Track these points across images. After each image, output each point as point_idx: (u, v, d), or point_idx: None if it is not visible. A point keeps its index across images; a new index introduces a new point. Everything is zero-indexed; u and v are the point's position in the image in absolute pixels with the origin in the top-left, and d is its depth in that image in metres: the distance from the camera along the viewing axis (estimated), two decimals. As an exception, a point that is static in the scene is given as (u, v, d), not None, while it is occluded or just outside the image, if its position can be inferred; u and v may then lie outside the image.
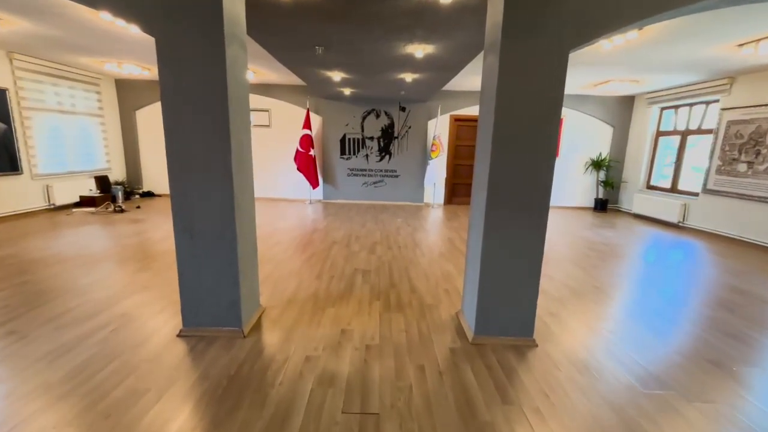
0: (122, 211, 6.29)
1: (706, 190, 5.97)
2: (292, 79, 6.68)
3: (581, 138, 7.92)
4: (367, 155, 8.08)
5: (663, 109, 7.14)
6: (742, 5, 1.80)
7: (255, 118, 7.80)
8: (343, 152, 8.05)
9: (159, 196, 7.99)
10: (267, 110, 7.78)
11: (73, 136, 6.60)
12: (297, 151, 7.45)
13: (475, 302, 2.40)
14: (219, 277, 2.34)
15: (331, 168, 8.12)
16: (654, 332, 2.65)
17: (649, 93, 7.19)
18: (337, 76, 5.48)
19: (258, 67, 5.98)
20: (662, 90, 6.82)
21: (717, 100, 5.88)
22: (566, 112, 7.65)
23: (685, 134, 6.63)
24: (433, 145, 7.52)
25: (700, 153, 6.38)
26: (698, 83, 6.06)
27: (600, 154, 7.94)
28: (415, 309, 2.91)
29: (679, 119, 6.82)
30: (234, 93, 2.19)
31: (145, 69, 6.35)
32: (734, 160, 5.54)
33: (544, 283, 3.48)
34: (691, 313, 3.01)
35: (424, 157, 8.00)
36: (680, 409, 1.86)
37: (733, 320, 2.89)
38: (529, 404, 1.87)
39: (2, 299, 2.84)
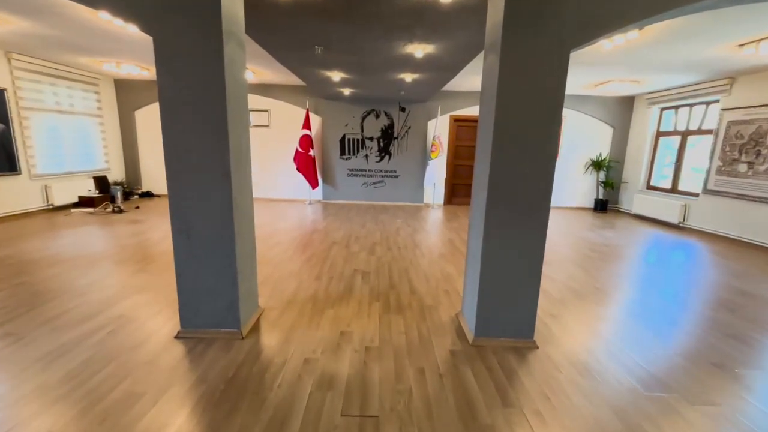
0: (121, 211, 6.27)
1: (706, 191, 5.96)
2: (292, 79, 6.66)
3: (581, 138, 7.90)
4: (366, 155, 8.06)
5: (663, 109, 7.13)
6: (743, 5, 1.79)
7: (254, 118, 7.78)
8: (342, 152, 8.03)
9: (158, 196, 7.97)
10: (266, 110, 7.77)
11: (72, 136, 6.58)
12: (296, 151, 7.43)
13: (476, 303, 2.38)
14: (217, 278, 2.32)
15: (330, 168, 8.11)
16: (655, 333, 2.63)
17: (649, 93, 7.18)
18: (336, 76, 5.46)
19: (257, 67, 5.97)
20: (662, 90, 6.81)
21: (717, 101, 5.87)
22: (566, 113, 7.63)
23: (685, 135, 6.62)
24: (432, 145, 7.50)
25: (699, 153, 6.37)
26: (698, 83, 6.05)
27: (600, 154, 7.93)
28: (415, 310, 2.89)
29: (679, 120, 6.80)
30: (232, 92, 2.18)
31: (144, 69, 6.33)
32: (734, 160, 5.52)
33: (544, 284, 3.46)
34: (693, 314, 2.99)
35: (424, 157, 7.98)
36: (683, 411, 1.85)
37: (735, 321, 2.87)
38: (530, 407, 1.85)
39: (-1, 300, 2.82)
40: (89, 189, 6.69)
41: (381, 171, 8.13)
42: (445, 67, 4.79)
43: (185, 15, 2.01)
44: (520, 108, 2.14)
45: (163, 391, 1.87)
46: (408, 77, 5.40)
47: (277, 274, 3.56)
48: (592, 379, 2.08)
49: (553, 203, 7.87)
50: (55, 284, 3.16)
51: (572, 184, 8.10)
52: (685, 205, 6.28)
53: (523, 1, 2.04)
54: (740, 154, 5.45)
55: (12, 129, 5.50)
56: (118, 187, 6.77)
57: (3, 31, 4.37)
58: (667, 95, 6.72)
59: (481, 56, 4.42)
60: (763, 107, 5.16)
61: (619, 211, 8.04)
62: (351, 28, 3.39)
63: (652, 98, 7.13)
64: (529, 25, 2.06)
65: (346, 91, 6.86)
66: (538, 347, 2.40)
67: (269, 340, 2.39)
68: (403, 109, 7.84)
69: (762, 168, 5.17)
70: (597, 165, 7.88)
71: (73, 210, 6.26)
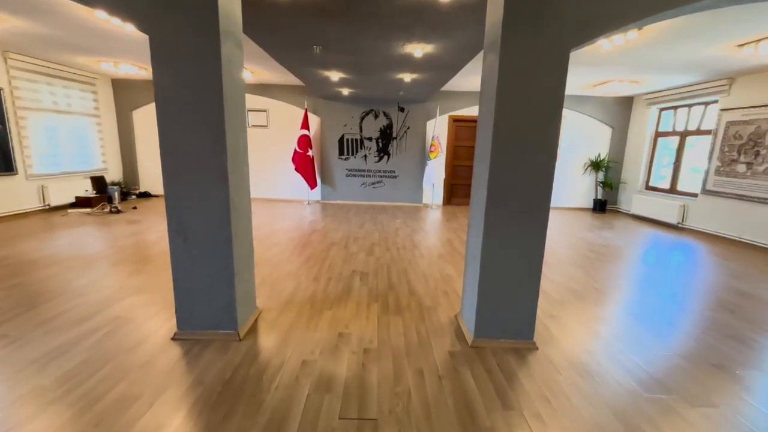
0: (118, 211, 6.24)
1: (705, 191, 5.96)
2: (290, 79, 6.64)
3: (580, 139, 7.90)
4: (365, 156, 8.04)
5: (662, 109, 7.13)
6: (742, 5, 1.78)
7: (253, 118, 7.76)
8: (341, 153, 8.01)
9: (156, 196, 7.94)
10: (265, 110, 7.74)
11: (69, 136, 6.55)
12: (295, 151, 7.40)
13: (475, 304, 2.37)
14: (214, 279, 2.30)
15: (329, 169, 8.09)
16: (655, 334, 2.62)
17: (648, 94, 7.19)
18: (335, 75, 5.44)
19: (255, 67, 5.94)
20: (661, 91, 6.81)
21: (716, 101, 5.88)
22: (565, 113, 7.63)
23: (684, 135, 6.62)
24: (431, 145, 7.49)
25: (698, 154, 6.37)
26: (697, 84, 6.05)
27: (599, 154, 7.93)
28: (414, 312, 2.87)
29: (677, 120, 6.81)
30: (229, 92, 2.16)
31: (141, 69, 6.30)
32: (733, 161, 5.53)
33: (543, 284, 3.45)
34: (692, 314, 2.99)
35: (423, 157, 7.97)
36: (683, 413, 1.83)
37: (735, 322, 2.86)
38: (530, 409, 1.83)
39: (-6, 302, 2.79)
40: (86, 189, 6.66)
41: (380, 171, 8.12)
42: (444, 67, 4.77)
43: (182, 13, 1.99)
44: (520, 107, 2.12)
45: (159, 393, 1.85)
46: (407, 77, 5.39)
47: (275, 275, 3.54)
48: (592, 381, 2.07)
49: (551, 204, 7.80)
50: (51, 285, 3.13)
51: (571, 184, 8.10)
52: (684, 206, 6.28)
53: (522, 0, 2.02)
54: (739, 154, 5.45)
55: (8, 129, 5.46)
56: (115, 187, 6.74)
57: (-1, 30, 4.35)
58: (666, 95, 6.72)
59: (480, 56, 4.41)
60: (761, 107, 5.17)
61: (617, 211, 8.04)
62: (350, 28, 3.37)
63: (650, 98, 7.13)
64: (529, 24, 2.04)
65: (345, 91, 6.84)
66: (537, 348, 2.38)
67: (267, 341, 2.37)
68: (402, 110, 7.83)
69: (761, 168, 5.17)
70: (596, 165, 7.88)
71: (69, 210, 6.23)
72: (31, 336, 2.33)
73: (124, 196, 7.36)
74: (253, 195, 7.88)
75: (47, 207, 6.10)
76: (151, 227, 5.25)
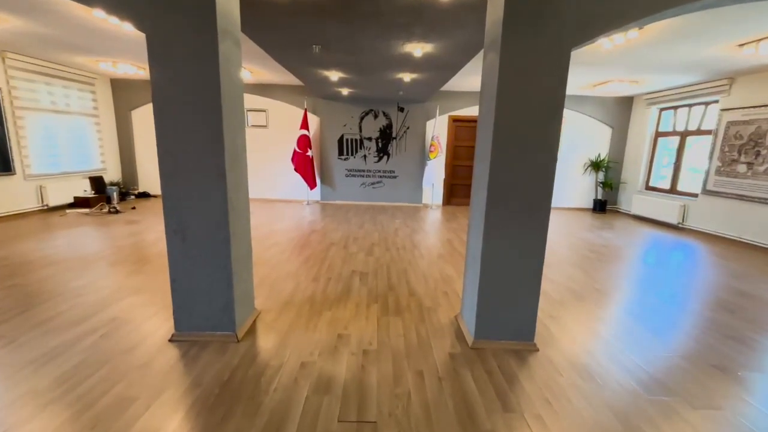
0: (117, 212, 6.21)
1: (705, 191, 5.95)
2: (290, 78, 6.62)
3: (580, 139, 7.89)
4: (365, 156, 8.02)
5: (662, 110, 7.12)
6: (743, 4, 1.77)
7: (252, 118, 7.74)
8: (341, 153, 8.00)
9: (155, 196, 7.92)
10: (264, 110, 7.72)
11: (68, 136, 6.52)
12: (294, 151, 7.39)
13: (475, 305, 2.35)
14: (212, 280, 2.28)
15: (328, 169, 8.07)
16: (656, 335, 2.60)
17: (648, 94, 7.17)
18: (334, 75, 5.43)
19: (254, 67, 5.93)
20: (661, 91, 6.80)
21: (716, 101, 5.87)
22: (565, 113, 7.60)
23: (684, 135, 6.61)
24: (431, 145, 7.48)
25: (697, 154, 6.37)
26: (697, 84, 6.04)
27: (599, 155, 7.92)
28: (414, 312, 2.85)
29: (678, 120, 6.80)
30: (227, 91, 2.14)
31: (140, 69, 6.28)
32: (734, 161, 5.51)
33: (544, 285, 3.43)
34: (694, 315, 2.97)
35: (423, 157, 7.96)
36: (686, 415, 1.82)
37: (736, 323, 2.85)
38: (531, 411, 1.81)
39: (-10, 303, 2.77)
40: (85, 189, 6.64)
41: (379, 171, 8.10)
42: (443, 67, 4.76)
43: (179, 12, 1.97)
44: (520, 107, 2.11)
45: (156, 395, 1.83)
46: (407, 77, 5.37)
47: (274, 276, 3.52)
48: (593, 382, 2.05)
49: (551, 204, 7.80)
50: (48, 286, 3.11)
51: (571, 184, 8.09)
52: (684, 206, 6.27)
53: (523, -1, 2.01)
54: (739, 154, 5.44)
55: (6, 129, 5.44)
56: (114, 187, 6.71)
57: (-3, 29, 4.32)
58: (666, 95, 6.71)
59: (479, 56, 4.39)
60: (762, 107, 5.15)
61: (617, 211, 8.03)
62: (349, 27, 3.36)
63: (651, 98, 7.12)
64: (530, 23, 2.03)
65: (345, 91, 6.82)
66: (538, 350, 2.36)
67: (265, 342, 2.35)
68: (401, 109, 7.81)
69: (761, 168, 5.16)
70: (596, 165, 7.87)
71: (68, 211, 6.21)
72: (29, 337, 2.31)
73: (123, 196, 7.34)
74: (252, 195, 7.86)
75: (45, 207, 6.07)
76: (150, 227, 5.23)
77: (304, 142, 7.33)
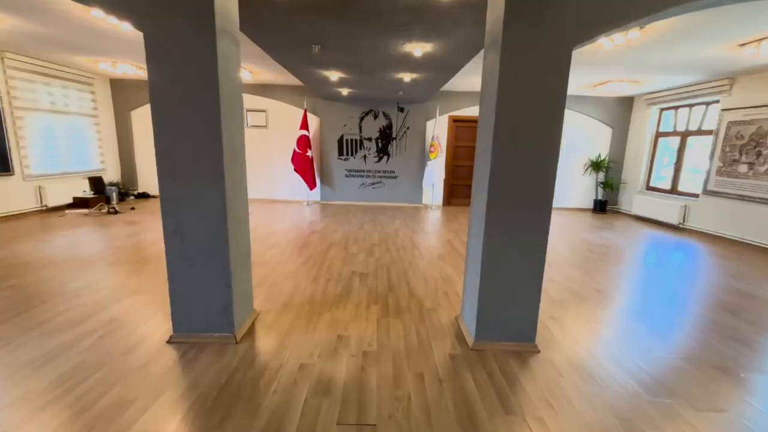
0: (116, 212, 6.19)
1: (706, 191, 5.93)
2: (290, 79, 6.60)
3: (580, 139, 7.87)
4: (365, 156, 8.00)
5: (662, 110, 7.11)
6: (744, 3, 1.75)
7: (252, 118, 7.73)
8: (340, 153, 7.98)
9: (154, 197, 7.90)
10: (264, 111, 7.71)
11: (67, 136, 6.51)
12: (294, 152, 7.37)
13: (476, 306, 2.33)
14: (211, 281, 2.26)
15: (328, 169, 8.05)
16: (658, 337, 2.59)
17: (648, 94, 7.16)
18: (334, 75, 5.41)
19: (254, 67, 5.91)
20: (662, 91, 6.78)
21: (717, 101, 5.85)
22: (565, 113, 7.59)
23: (684, 135, 6.59)
24: (431, 146, 7.46)
25: (697, 154, 6.35)
26: (698, 84, 6.02)
27: (599, 155, 7.90)
28: (414, 313, 2.83)
29: (678, 120, 6.78)
30: (226, 91, 2.12)
31: (140, 69, 6.26)
32: (735, 161, 5.50)
33: (544, 285, 3.41)
34: (695, 316, 2.95)
35: (423, 158, 7.94)
36: (689, 418, 1.80)
37: (738, 324, 2.83)
38: (533, 414, 1.79)
39: (-13, 304, 2.76)
40: (84, 190, 6.62)
41: (379, 172, 8.08)
42: (444, 67, 4.74)
43: (177, 10, 1.96)
44: (521, 106, 2.09)
45: (153, 398, 1.81)
46: (406, 77, 5.36)
47: (274, 276, 3.50)
48: (595, 384, 2.04)
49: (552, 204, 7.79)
50: (46, 287, 3.09)
51: (571, 184, 8.07)
52: (685, 206, 6.25)
53: (524, -2, 1.99)
54: (740, 154, 5.42)
55: (5, 129, 5.42)
56: (113, 187, 6.71)
57: (-5, 29, 4.31)
58: (667, 96, 6.70)
59: (479, 56, 4.37)
60: (763, 107, 5.14)
61: (618, 211, 8.01)
62: (349, 26, 3.34)
63: (651, 99, 7.10)
64: (531, 22, 2.01)
65: (345, 91, 6.81)
66: (539, 351, 2.34)
67: (264, 344, 2.33)
68: (401, 110, 7.79)
69: (762, 169, 5.14)
70: (596, 166, 7.85)
71: (67, 211, 6.19)
72: (25, 339, 2.29)
73: (123, 196, 7.32)
74: (252, 196, 7.85)
75: (44, 208, 6.05)
76: (149, 228, 5.21)
77: (303, 142, 7.31)
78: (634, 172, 7.67)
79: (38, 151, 5.97)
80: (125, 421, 1.65)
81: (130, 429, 1.61)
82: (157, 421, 1.66)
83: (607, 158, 7.89)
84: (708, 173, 5.89)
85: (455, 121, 7.87)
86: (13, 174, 5.57)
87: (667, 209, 6.48)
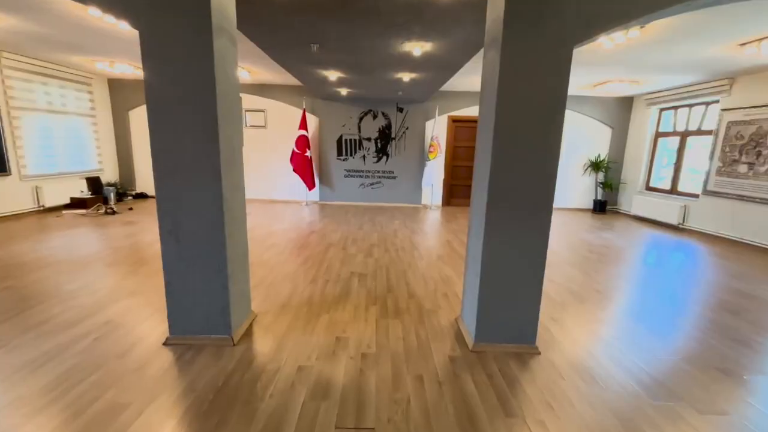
0: (114, 212, 6.16)
1: (706, 192, 5.92)
2: (289, 79, 6.58)
3: (580, 139, 7.86)
4: (364, 156, 7.98)
5: (662, 110, 7.10)
6: (744, 2, 1.73)
7: (251, 118, 7.70)
8: (339, 153, 7.95)
9: (152, 197, 7.86)
10: (263, 111, 7.68)
11: (64, 136, 6.47)
12: (293, 152, 7.34)
13: (476, 307, 2.31)
14: (207, 282, 2.24)
15: (327, 169, 8.03)
16: (659, 338, 2.57)
17: (648, 94, 7.15)
18: (333, 75, 5.39)
19: (253, 66, 5.88)
20: (661, 91, 6.77)
21: (717, 101, 5.84)
22: (565, 113, 7.58)
23: (684, 135, 6.58)
24: (430, 146, 7.44)
25: (696, 155, 6.34)
26: (698, 84, 6.01)
27: (599, 155, 7.88)
28: (413, 315, 2.81)
29: (678, 120, 6.77)
30: (223, 90, 2.10)
31: (137, 68, 6.23)
32: (735, 161, 5.49)
33: (545, 286, 3.38)
34: (696, 317, 2.93)
35: (422, 158, 7.92)
36: (692, 421, 1.78)
37: (739, 325, 2.81)
38: (533, 416, 1.77)
39: (-18, 305, 2.72)
40: (82, 190, 6.58)
41: (378, 172, 8.06)
42: (443, 66, 4.72)
43: (173, 8, 1.93)
44: (522, 105, 2.07)
45: (149, 401, 1.78)
46: (406, 77, 5.34)
47: (272, 277, 3.47)
48: (596, 386, 2.01)
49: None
50: (41, 288, 3.06)
51: (571, 185, 8.05)
52: (685, 206, 6.24)
53: (524, -4, 1.97)
54: (740, 154, 5.41)
55: (1, 129, 5.39)
56: (111, 188, 6.68)
57: (-9, 28, 4.27)
58: (667, 96, 6.68)
59: (479, 55, 4.36)
60: (763, 107, 5.13)
61: (618, 212, 7.99)
62: (348, 25, 3.32)
63: (651, 99, 7.09)
64: (531, 20, 1.99)
65: (344, 91, 6.78)
66: (540, 353, 2.32)
67: (262, 346, 2.30)
68: (400, 110, 7.77)
69: (762, 169, 5.13)
70: (596, 166, 7.83)
71: (64, 211, 6.15)
72: (20, 341, 2.27)
73: (120, 197, 7.28)
74: (251, 196, 7.82)
75: (41, 208, 6.02)
76: (147, 228, 5.18)
77: (302, 142, 7.28)
78: (633, 172, 7.66)
79: (35, 151, 5.94)
80: (119, 425, 1.63)
81: (124, 433, 1.58)
82: (152, 425, 1.64)
83: (606, 158, 7.88)
84: (708, 173, 5.88)
85: (454, 121, 7.86)
86: (10, 174, 5.54)
87: (667, 209, 6.46)
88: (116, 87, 7.43)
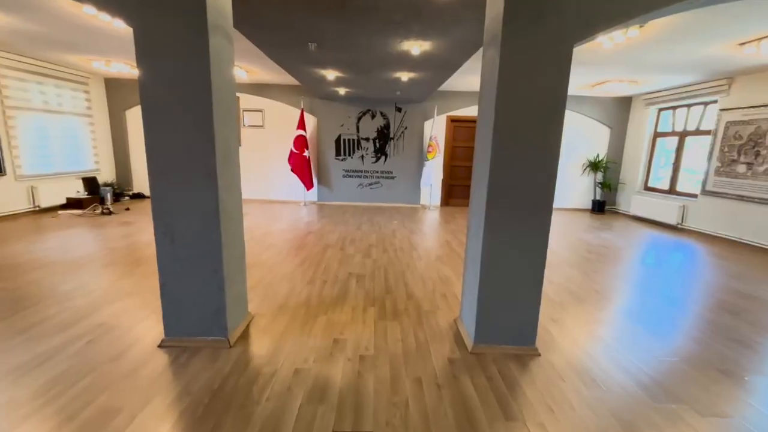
0: (110, 213, 6.11)
1: (705, 192, 5.92)
2: (287, 78, 6.55)
3: (578, 139, 7.85)
4: (362, 156, 7.95)
5: (660, 110, 7.09)
6: (744, 0, 1.72)
7: (248, 118, 7.66)
8: (338, 153, 7.92)
9: (149, 197, 7.80)
10: (260, 110, 7.64)
11: (60, 136, 6.42)
12: (291, 152, 7.31)
13: (475, 309, 2.29)
14: (203, 283, 2.20)
15: (325, 169, 8.00)
16: (659, 339, 2.55)
17: (646, 94, 7.14)
18: (331, 74, 5.36)
19: (250, 66, 5.85)
20: (660, 91, 6.77)
21: (715, 101, 5.83)
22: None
23: (683, 135, 6.58)
24: (429, 146, 7.42)
25: (694, 155, 6.34)
26: (696, 84, 6.01)
27: (597, 155, 7.88)
28: (412, 316, 2.78)
29: (677, 120, 6.76)
30: (218, 88, 2.07)
31: (134, 68, 6.18)
32: (733, 161, 5.48)
33: (544, 287, 3.36)
34: (696, 318, 2.92)
35: (421, 158, 7.89)
36: (693, 423, 1.76)
37: (739, 325, 2.79)
38: (534, 419, 1.75)
39: (-26, 307, 2.68)
40: (78, 190, 6.53)
41: (377, 172, 8.03)
42: (442, 66, 4.70)
43: (168, 5, 1.90)
44: (521, 104, 2.05)
45: (142, 405, 1.75)
46: (404, 76, 5.31)
47: (269, 278, 3.44)
48: (597, 388, 1.99)
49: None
50: (35, 290, 3.02)
51: (569, 185, 8.04)
52: (684, 206, 6.23)
53: (523, -6, 1.95)
54: (739, 154, 5.41)
55: (-3, 128, 5.34)
56: (107, 188, 6.63)
57: (-15, 27, 4.23)
58: (665, 96, 6.68)
59: (478, 55, 4.34)
60: (762, 107, 5.12)
61: (616, 212, 7.99)
62: (346, 24, 3.29)
63: (649, 99, 7.09)
64: (530, 19, 1.96)
65: (342, 91, 6.75)
66: (540, 354, 2.30)
67: (258, 348, 2.27)
68: (399, 110, 7.75)
69: (761, 169, 5.13)
70: (594, 166, 7.83)
71: (60, 212, 6.10)
72: (11, 344, 2.23)
73: (117, 197, 7.23)
74: (249, 196, 7.78)
75: (37, 208, 5.97)
76: (144, 229, 5.14)
77: (300, 142, 7.25)
78: (632, 172, 7.66)
79: (31, 151, 5.89)
80: (112, 429, 1.59)
81: (117, 438, 1.55)
82: (146, 429, 1.61)
83: (605, 158, 7.87)
84: (706, 173, 5.88)
85: (453, 121, 7.84)
86: (5, 174, 5.49)
87: (666, 209, 6.46)
88: (113, 86, 7.38)
